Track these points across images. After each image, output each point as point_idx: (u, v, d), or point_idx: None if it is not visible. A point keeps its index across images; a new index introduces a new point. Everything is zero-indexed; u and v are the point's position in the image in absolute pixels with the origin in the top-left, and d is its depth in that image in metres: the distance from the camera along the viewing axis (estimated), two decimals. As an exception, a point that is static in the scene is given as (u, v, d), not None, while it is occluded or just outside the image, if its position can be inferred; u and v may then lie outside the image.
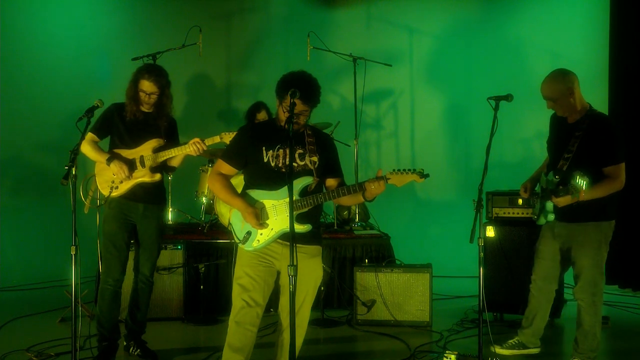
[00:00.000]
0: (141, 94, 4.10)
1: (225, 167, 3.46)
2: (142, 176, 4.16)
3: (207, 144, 4.14)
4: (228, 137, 4.07)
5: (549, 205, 3.95)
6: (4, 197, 7.10)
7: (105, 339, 4.20)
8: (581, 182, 3.51)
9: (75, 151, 3.56)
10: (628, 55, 6.48)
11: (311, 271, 3.40)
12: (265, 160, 3.34)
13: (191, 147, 4.12)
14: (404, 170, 3.31)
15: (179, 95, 7.29)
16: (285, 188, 3.22)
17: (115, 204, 4.16)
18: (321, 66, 6.83)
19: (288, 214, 3.04)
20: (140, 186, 4.17)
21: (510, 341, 4.34)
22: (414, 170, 3.31)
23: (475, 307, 5.33)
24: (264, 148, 3.36)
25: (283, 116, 3.29)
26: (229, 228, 3.55)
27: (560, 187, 3.71)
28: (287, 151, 3.25)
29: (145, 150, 4.17)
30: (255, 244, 3.36)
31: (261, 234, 3.35)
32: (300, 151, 3.39)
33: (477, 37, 7.48)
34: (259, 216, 3.33)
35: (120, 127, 4.17)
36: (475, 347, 3.94)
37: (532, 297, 4.27)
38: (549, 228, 4.12)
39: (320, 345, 4.73)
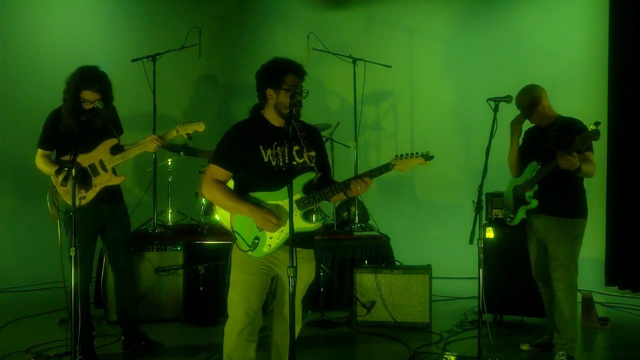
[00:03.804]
0: (85, 103, 4.07)
1: (220, 173, 3.22)
2: (108, 180, 4.15)
3: (166, 139, 4.20)
4: (183, 130, 4.15)
5: (528, 193, 4.14)
6: (4, 198, 7.09)
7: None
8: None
9: (75, 153, 3.56)
10: (628, 55, 6.48)
11: (304, 275, 3.28)
12: (266, 160, 3.18)
13: (150, 145, 4.15)
14: (409, 154, 3.27)
15: (179, 96, 7.31)
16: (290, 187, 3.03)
17: (81, 215, 3.97)
18: (321, 67, 6.82)
19: (297, 214, 3.01)
20: (105, 189, 4.17)
21: (538, 340, 4.50)
22: (418, 153, 3.27)
23: (475, 308, 5.33)
24: (261, 147, 3.18)
25: (284, 99, 3.15)
26: (233, 235, 3.26)
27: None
28: (286, 150, 3.16)
29: (103, 153, 4.14)
30: (266, 249, 3.15)
31: (271, 238, 3.13)
32: (297, 148, 3.24)
33: (477, 38, 7.47)
34: (277, 215, 3.11)
35: (69, 134, 4.08)
36: (474, 349, 3.94)
37: (543, 295, 4.40)
38: (528, 226, 4.31)
39: (319, 346, 4.72)
